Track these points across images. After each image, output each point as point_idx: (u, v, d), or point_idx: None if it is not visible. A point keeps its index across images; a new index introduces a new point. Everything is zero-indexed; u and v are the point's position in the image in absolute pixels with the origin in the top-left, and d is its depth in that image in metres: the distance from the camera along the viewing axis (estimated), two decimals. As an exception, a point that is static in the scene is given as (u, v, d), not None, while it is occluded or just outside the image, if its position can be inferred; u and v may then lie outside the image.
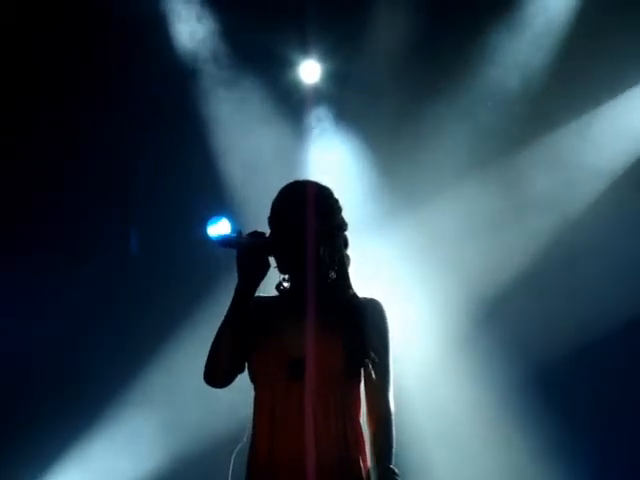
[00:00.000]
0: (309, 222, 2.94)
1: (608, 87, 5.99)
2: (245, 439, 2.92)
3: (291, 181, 3.07)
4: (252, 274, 2.87)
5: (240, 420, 3.04)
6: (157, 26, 6.09)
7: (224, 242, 2.91)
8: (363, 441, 2.89)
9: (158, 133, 6.27)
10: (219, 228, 6.12)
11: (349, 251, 3.07)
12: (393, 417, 2.90)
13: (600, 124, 6.06)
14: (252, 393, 2.94)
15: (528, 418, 5.84)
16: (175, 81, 6.18)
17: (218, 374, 2.91)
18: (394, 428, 2.89)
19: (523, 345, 5.91)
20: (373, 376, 2.90)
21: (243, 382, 2.96)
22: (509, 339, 5.93)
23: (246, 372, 2.95)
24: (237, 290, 2.88)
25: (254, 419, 2.91)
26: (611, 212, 5.91)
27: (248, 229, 2.93)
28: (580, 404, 5.90)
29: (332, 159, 6.22)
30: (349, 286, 3.02)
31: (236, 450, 2.95)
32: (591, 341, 5.81)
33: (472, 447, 5.94)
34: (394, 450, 2.85)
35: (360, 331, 2.89)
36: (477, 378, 5.96)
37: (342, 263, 3.02)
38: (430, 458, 5.89)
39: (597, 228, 5.87)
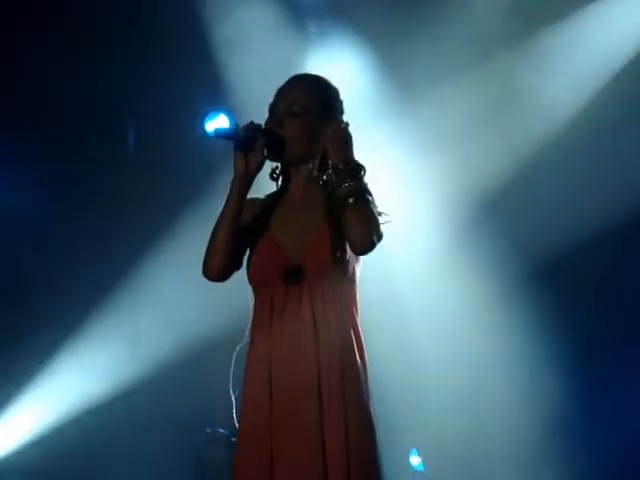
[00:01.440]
0: (309, 113, 2.92)
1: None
2: (245, 340, 2.94)
3: (302, 73, 3.06)
4: (249, 166, 2.86)
5: (240, 319, 3.05)
6: None
7: (221, 134, 2.90)
8: (362, 342, 2.91)
9: (155, 29, 6.16)
10: (217, 123, 6.08)
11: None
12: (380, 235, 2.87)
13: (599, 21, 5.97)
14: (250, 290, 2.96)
15: (527, 318, 5.87)
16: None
17: (215, 268, 2.92)
18: (380, 237, 2.86)
19: (522, 243, 5.90)
20: None
21: (242, 276, 2.98)
22: (508, 237, 5.91)
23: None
24: (233, 183, 2.88)
25: (253, 320, 2.93)
26: (609, 113, 5.84)
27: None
28: (578, 303, 5.92)
29: (333, 54, 6.13)
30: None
31: (237, 350, 2.96)
32: (589, 239, 5.80)
33: (467, 346, 5.98)
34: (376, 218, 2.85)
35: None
36: (475, 277, 5.97)
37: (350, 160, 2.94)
38: (424, 359, 5.95)
39: (594, 129, 5.81)
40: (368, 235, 2.81)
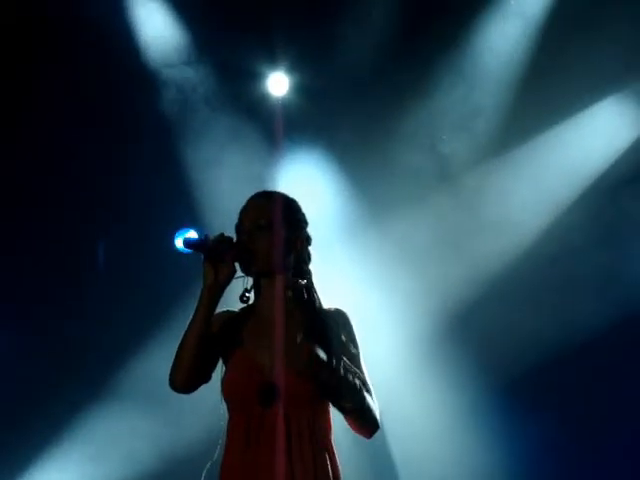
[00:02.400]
0: (277, 225, 2.96)
1: (567, 107, 6.03)
2: (216, 456, 2.91)
3: (260, 190, 3.09)
4: (218, 278, 2.86)
5: (209, 436, 3.02)
6: (125, 38, 6.09)
7: (191, 244, 2.91)
8: (337, 464, 2.88)
9: (125, 147, 6.25)
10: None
11: (311, 266, 3.06)
12: (379, 419, 2.91)
13: (566, 138, 6.11)
14: (220, 405, 2.93)
15: (493, 425, 5.86)
16: (142, 95, 6.18)
17: (181, 379, 2.89)
18: (377, 427, 2.91)
19: (488, 353, 5.93)
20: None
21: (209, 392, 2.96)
22: (475, 348, 5.94)
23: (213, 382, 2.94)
24: (202, 294, 2.87)
25: (227, 440, 2.90)
26: (577, 223, 5.95)
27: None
28: (546, 412, 5.92)
29: (300, 171, 6.22)
30: (315, 298, 3.00)
31: (207, 467, 2.93)
32: (557, 350, 5.84)
33: (438, 454, 5.95)
34: (370, 410, 2.86)
35: (328, 346, 2.86)
36: (442, 386, 5.98)
37: (308, 274, 3.03)
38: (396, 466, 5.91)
39: (562, 238, 5.92)
40: (370, 429, 2.90)
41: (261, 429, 2.83)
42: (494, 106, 6.11)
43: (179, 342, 2.89)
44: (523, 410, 5.92)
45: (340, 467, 2.89)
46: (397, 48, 6.05)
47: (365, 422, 2.90)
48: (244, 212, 3.02)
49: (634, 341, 5.90)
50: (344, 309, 3.02)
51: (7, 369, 6.13)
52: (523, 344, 5.84)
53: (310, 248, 3.07)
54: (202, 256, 2.88)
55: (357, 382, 2.84)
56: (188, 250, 2.91)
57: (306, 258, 3.04)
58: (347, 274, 5.78)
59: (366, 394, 2.88)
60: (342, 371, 2.80)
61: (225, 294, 2.91)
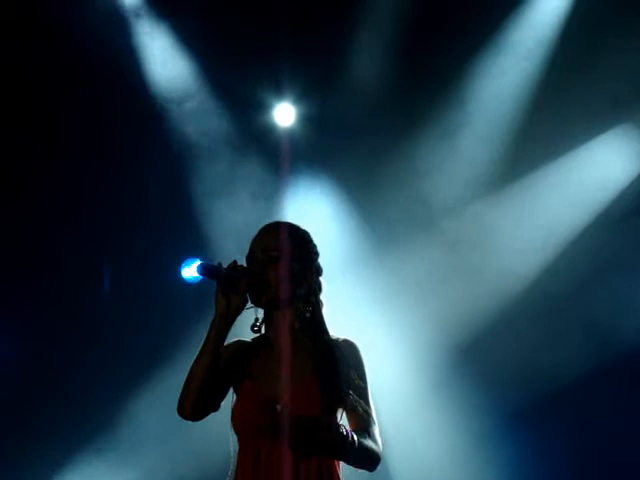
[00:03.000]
0: (288, 256, 2.96)
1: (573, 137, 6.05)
2: (226, 485, 2.92)
3: (271, 222, 3.11)
4: (230, 307, 2.86)
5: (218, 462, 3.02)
6: (131, 68, 6.13)
7: (206, 271, 2.88)
8: None
9: (132, 175, 6.27)
10: (193, 270, 6.12)
11: (322, 297, 3.08)
12: (380, 454, 2.92)
13: (574, 168, 6.13)
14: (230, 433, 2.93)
15: (502, 460, 5.85)
16: (150, 124, 6.21)
17: (190, 406, 2.88)
18: (378, 462, 2.91)
19: (496, 388, 5.92)
20: (357, 417, 2.90)
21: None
22: (482, 382, 5.94)
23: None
24: (213, 323, 2.87)
25: (236, 471, 2.89)
26: (586, 253, 5.95)
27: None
28: (554, 447, 5.91)
29: (307, 202, 6.24)
30: (324, 330, 3.02)
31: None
32: (565, 384, 5.83)
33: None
34: (365, 451, 2.84)
35: (336, 380, 2.89)
36: (448, 421, 5.96)
37: (318, 305, 3.04)
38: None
39: (571, 269, 5.92)
40: (370, 469, 2.91)
41: (269, 464, 2.83)
42: (494, 139, 6.12)
43: (188, 371, 2.89)
44: (530, 439, 5.90)
45: None
46: (403, 81, 6.08)
47: (364, 466, 2.90)
48: (255, 242, 3.02)
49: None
50: (352, 340, 3.03)
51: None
52: (528, 374, 5.83)
53: (321, 279, 3.08)
54: (215, 284, 2.87)
55: (352, 438, 2.81)
56: (197, 278, 2.92)
57: (316, 289, 3.05)
58: (352, 305, 5.78)
59: (363, 438, 2.86)
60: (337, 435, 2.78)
61: (237, 323, 2.91)
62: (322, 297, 3.07)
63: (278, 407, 2.77)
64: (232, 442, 2.92)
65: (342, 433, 2.79)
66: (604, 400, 5.83)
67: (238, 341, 3.02)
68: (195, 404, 2.88)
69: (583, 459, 5.86)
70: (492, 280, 6.02)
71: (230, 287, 2.86)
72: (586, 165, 6.09)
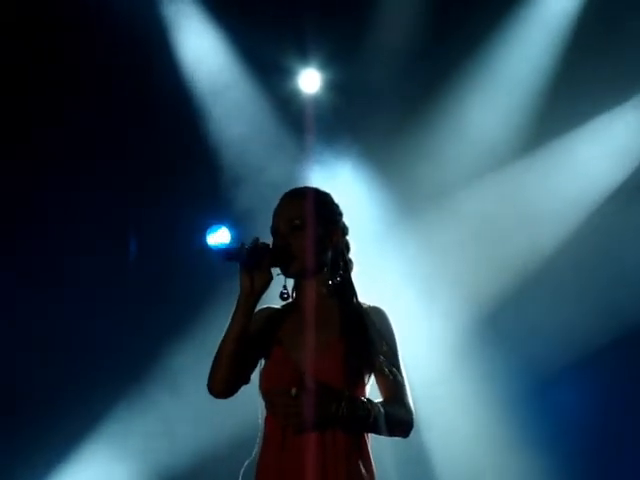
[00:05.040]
0: (311, 224, 2.95)
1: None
2: (254, 455, 2.91)
3: (291, 188, 3.09)
4: (255, 286, 2.85)
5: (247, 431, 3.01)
6: (157, 34, 6.09)
7: (227, 255, 2.88)
8: (372, 467, 2.88)
9: (160, 141, 6.25)
10: (218, 237, 6.13)
11: (351, 256, 3.08)
12: (412, 422, 2.92)
13: (596, 138, 6.08)
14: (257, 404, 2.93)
15: (528, 433, 5.84)
16: (178, 92, 6.18)
17: (221, 384, 2.89)
18: (410, 428, 2.93)
19: (525, 357, 5.91)
20: (387, 382, 2.90)
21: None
22: (510, 351, 5.92)
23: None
24: (239, 302, 2.86)
25: (264, 436, 2.91)
26: (610, 221, 5.91)
27: (247, 237, 2.91)
28: (583, 418, 5.89)
29: (334, 170, 6.21)
30: (354, 293, 3.02)
31: (244, 466, 2.93)
32: (594, 352, 5.80)
33: (474, 463, 5.93)
34: (394, 420, 2.84)
35: (364, 343, 2.88)
36: (479, 391, 5.96)
37: (346, 268, 3.03)
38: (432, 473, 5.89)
39: (597, 237, 5.88)
40: (402, 434, 2.93)
41: (294, 435, 2.82)
42: (526, 100, 6.06)
43: (217, 348, 2.88)
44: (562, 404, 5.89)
45: (374, 468, 2.88)
46: (428, 46, 6.02)
47: (394, 434, 2.91)
48: (277, 214, 3.02)
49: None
50: (381, 306, 3.02)
51: (29, 364, 6.14)
52: (558, 339, 5.80)
53: (348, 238, 3.07)
54: (238, 265, 2.86)
55: (377, 412, 2.81)
56: (222, 245, 2.91)
57: (344, 249, 3.05)
58: (380, 273, 5.76)
59: (391, 407, 2.86)
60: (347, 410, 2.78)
61: (268, 290, 2.90)
62: (352, 256, 3.07)
63: (293, 391, 2.76)
64: (260, 409, 2.92)
65: (365, 409, 2.79)
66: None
67: (267, 308, 3.02)
68: (225, 384, 2.89)
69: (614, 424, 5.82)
70: (522, 247, 5.98)
71: (254, 266, 2.84)
72: (609, 134, 6.04)
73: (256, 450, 2.91)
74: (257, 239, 2.88)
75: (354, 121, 6.25)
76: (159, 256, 6.42)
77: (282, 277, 2.98)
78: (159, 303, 6.24)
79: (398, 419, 2.88)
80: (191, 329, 5.96)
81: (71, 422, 6.02)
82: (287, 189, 3.09)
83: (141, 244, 6.60)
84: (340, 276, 2.99)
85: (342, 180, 6.15)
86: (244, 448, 2.98)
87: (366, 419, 2.79)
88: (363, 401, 2.82)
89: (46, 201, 6.26)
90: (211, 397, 2.93)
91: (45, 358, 6.13)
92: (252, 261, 2.83)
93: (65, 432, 6.02)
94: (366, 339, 2.89)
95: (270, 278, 2.88)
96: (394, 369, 2.91)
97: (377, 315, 2.98)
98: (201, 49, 6.19)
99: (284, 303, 3.02)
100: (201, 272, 6.07)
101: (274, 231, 3.00)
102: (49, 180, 6.23)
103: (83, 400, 6.06)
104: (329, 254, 2.99)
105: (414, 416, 2.93)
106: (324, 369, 2.84)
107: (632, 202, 5.95)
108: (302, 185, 3.14)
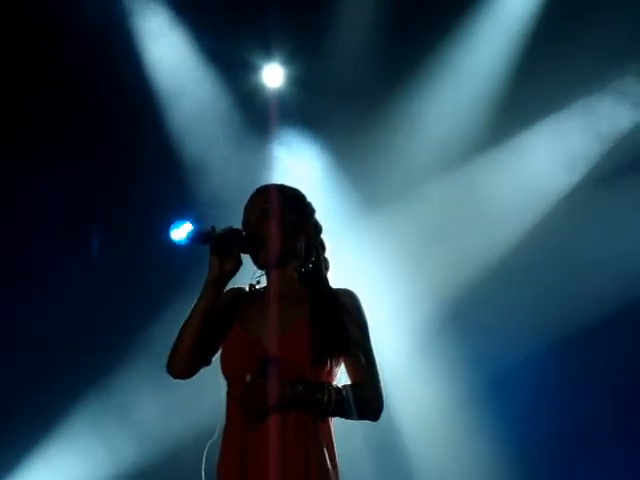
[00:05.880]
0: (279, 208, 2.97)
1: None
2: (217, 434, 2.91)
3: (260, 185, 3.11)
4: (224, 270, 2.86)
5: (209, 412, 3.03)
6: (119, 30, 6.07)
7: (198, 237, 2.89)
8: (332, 444, 2.89)
9: (122, 135, 6.24)
10: (182, 231, 6.10)
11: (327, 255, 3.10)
12: (382, 405, 2.93)
13: (558, 130, 6.14)
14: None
15: (493, 419, 5.88)
16: (141, 88, 6.16)
17: (181, 365, 2.90)
18: (380, 411, 2.93)
19: (491, 344, 5.95)
20: (357, 365, 2.90)
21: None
22: (476, 338, 5.96)
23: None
24: (207, 285, 2.87)
25: (227, 415, 2.90)
26: (573, 213, 5.97)
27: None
28: (547, 405, 5.95)
29: (297, 164, 6.22)
30: (325, 280, 3.03)
31: (207, 447, 2.94)
32: (558, 341, 5.86)
33: (438, 446, 5.97)
34: (360, 403, 2.85)
35: (334, 324, 2.88)
36: (444, 377, 5.99)
37: (320, 261, 3.04)
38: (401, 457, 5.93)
39: (560, 229, 5.93)
40: (372, 418, 2.93)
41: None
42: (480, 101, 6.12)
43: (179, 330, 2.89)
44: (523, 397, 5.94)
45: (335, 446, 2.89)
46: (390, 42, 6.05)
47: (363, 418, 2.92)
48: (247, 207, 3.05)
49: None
50: (352, 289, 3.03)
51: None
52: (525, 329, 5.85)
53: (323, 237, 3.10)
54: (208, 247, 2.87)
55: (339, 396, 2.83)
56: (187, 241, 2.90)
57: (318, 246, 3.06)
58: (344, 266, 5.77)
59: (357, 390, 2.88)
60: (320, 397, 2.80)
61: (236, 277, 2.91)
62: (327, 255, 3.09)
63: (247, 377, 2.77)
64: (223, 390, 2.93)
65: (326, 392, 2.80)
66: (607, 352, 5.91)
67: (234, 289, 3.01)
68: (186, 361, 2.89)
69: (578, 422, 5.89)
70: (488, 237, 6.03)
71: (223, 250, 2.85)
72: (570, 127, 6.10)
73: (219, 430, 2.91)
74: (230, 226, 2.90)
75: (317, 116, 6.26)
76: (124, 253, 6.39)
77: (256, 270, 2.99)
78: (125, 296, 6.21)
79: (366, 402, 2.89)
80: (157, 322, 5.95)
81: (30, 421, 6.00)
82: (251, 185, 3.12)
83: (105, 240, 6.57)
84: (312, 263, 3.00)
85: (304, 175, 6.15)
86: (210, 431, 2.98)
87: (326, 403, 2.80)
88: (324, 384, 2.83)
89: (9, 201, 6.22)
90: (173, 382, 2.94)
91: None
92: (222, 244, 2.83)
93: (20, 434, 5.99)
94: (336, 320, 2.90)
95: (239, 263, 2.89)
96: (364, 351, 2.91)
97: (348, 297, 2.99)
98: (163, 45, 6.18)
99: (249, 284, 3.02)
100: (165, 268, 6.06)
101: (245, 224, 3.01)
102: (16, 179, 6.19)
103: (42, 400, 6.03)
104: (302, 244, 3.01)
105: (384, 399, 2.94)
106: (289, 347, 2.84)
107: (587, 198, 5.99)
108: (268, 182, 3.17)
